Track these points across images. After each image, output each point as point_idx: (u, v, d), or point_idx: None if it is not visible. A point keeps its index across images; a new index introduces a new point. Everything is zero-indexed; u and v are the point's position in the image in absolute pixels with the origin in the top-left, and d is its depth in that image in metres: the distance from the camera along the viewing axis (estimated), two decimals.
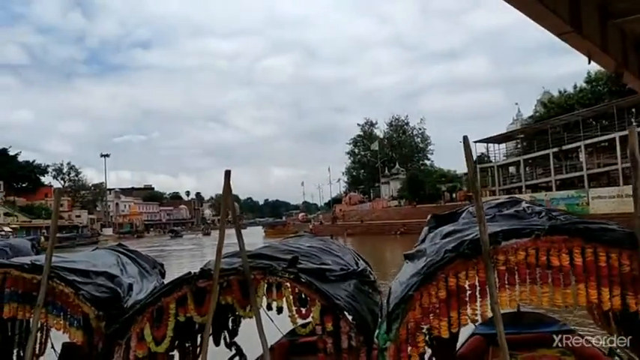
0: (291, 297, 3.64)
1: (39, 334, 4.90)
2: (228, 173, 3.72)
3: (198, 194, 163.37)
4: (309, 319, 3.60)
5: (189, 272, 3.74)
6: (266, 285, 3.68)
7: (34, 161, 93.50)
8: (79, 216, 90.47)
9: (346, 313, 3.50)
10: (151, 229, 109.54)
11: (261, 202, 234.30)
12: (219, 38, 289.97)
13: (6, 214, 73.19)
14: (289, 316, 3.63)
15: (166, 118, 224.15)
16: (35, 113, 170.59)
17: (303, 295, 3.63)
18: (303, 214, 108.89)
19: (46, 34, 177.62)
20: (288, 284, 3.63)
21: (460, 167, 60.76)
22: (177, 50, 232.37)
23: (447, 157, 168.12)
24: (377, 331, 3.47)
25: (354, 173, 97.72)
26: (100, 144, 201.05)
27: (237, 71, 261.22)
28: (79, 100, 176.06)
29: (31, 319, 3.88)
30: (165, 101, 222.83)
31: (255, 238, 64.29)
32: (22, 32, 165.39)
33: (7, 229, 62.55)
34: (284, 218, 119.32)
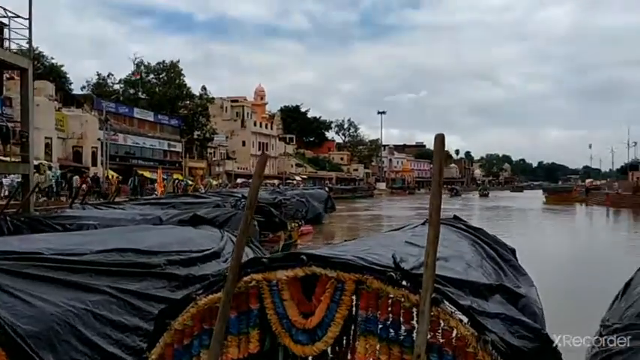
0: None
1: None
2: None
3: (467, 153, 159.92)
4: None
5: None
6: None
7: (319, 117, 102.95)
8: (356, 169, 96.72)
9: None
10: (421, 187, 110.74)
11: (534, 165, 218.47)
12: None
13: (297, 165, 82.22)
14: None
15: (434, 77, 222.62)
16: (317, 74, 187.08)
17: None
18: (590, 180, 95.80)
19: (326, 1, 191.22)
20: None
21: None
22: (447, 7, 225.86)
23: None
24: None
25: None
26: (372, 102, 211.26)
27: (508, 25, 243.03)
28: (354, 61, 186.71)
29: None
30: (433, 60, 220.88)
31: (534, 202, 59.03)
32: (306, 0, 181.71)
33: (297, 178, 70.52)
34: (560, 183, 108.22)
